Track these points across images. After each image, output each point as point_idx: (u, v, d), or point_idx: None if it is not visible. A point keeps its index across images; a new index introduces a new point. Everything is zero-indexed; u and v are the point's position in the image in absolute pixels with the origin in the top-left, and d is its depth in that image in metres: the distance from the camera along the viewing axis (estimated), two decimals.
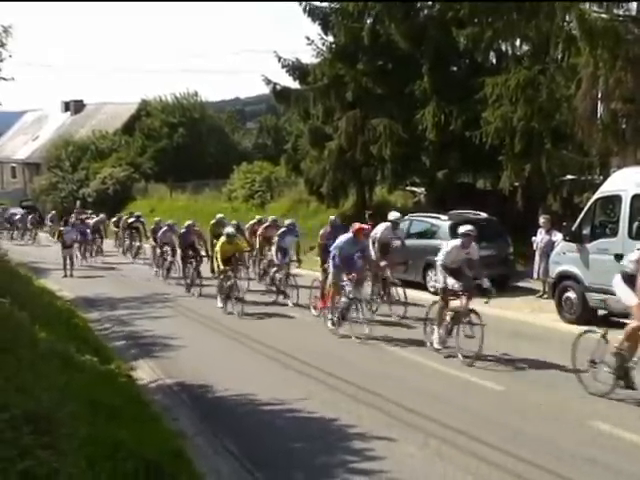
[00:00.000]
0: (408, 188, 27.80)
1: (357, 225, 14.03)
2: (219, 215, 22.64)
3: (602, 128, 17.67)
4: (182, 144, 47.90)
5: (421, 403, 9.35)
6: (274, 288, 18.13)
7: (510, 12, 19.29)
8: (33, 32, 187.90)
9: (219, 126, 54.12)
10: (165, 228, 22.34)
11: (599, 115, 18.09)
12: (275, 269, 18.14)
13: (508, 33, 20.07)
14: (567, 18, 17.82)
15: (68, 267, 24.38)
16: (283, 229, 18.09)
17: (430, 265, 17.14)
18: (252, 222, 22.02)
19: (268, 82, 26.82)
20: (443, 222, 18.17)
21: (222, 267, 16.32)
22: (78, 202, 44.85)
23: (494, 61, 22.69)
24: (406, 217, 19.69)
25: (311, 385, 10.51)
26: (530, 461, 7.33)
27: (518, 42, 21.13)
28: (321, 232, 16.85)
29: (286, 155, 31.08)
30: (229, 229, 17.24)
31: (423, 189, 26.75)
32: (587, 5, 17.70)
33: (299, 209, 29.60)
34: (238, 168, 36.80)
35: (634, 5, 17.79)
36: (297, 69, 26.49)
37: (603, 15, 17.33)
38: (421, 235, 18.52)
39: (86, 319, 16.43)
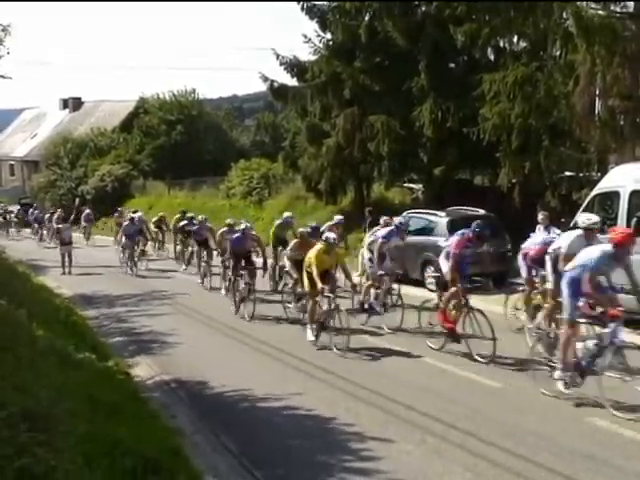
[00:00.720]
0: (406, 185, 27.81)
1: (622, 231, 9.36)
2: (287, 214, 19.05)
3: (600, 125, 17.67)
4: (180, 141, 47.86)
5: (419, 400, 9.35)
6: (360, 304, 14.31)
7: (507, 9, 19.27)
8: (32, 30, 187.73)
9: (217, 123, 54.07)
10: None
11: (597, 112, 18.09)
12: (370, 282, 14.30)
13: (505, 30, 20.05)
14: (564, 15, 17.81)
15: (66, 264, 24.35)
16: (390, 228, 14.48)
17: (429, 262, 17.18)
18: (329, 224, 17.72)
19: (265, 79, 26.81)
20: (441, 218, 18.20)
21: (319, 285, 12.26)
22: (77, 199, 44.82)
23: (492, 58, 22.69)
24: (404, 213, 19.72)
25: (309, 382, 10.51)
26: (528, 458, 7.34)
27: (515, 39, 21.12)
28: (456, 239, 11.99)
29: (284, 152, 31.07)
30: (329, 234, 13.09)
31: (421, 186, 26.77)
32: (584, 2, 17.69)
33: (297, 206, 29.53)
34: (236, 165, 36.77)
35: (631, 2, 17.78)
36: (295, 66, 26.44)
37: (600, 12, 17.32)
38: (419, 232, 18.51)
39: (84, 316, 16.44)
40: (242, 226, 16.63)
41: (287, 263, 14.96)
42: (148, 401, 9.83)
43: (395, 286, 14.37)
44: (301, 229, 15.76)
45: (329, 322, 12.47)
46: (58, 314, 14.80)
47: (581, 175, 19.63)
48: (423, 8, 24.29)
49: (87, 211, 36.20)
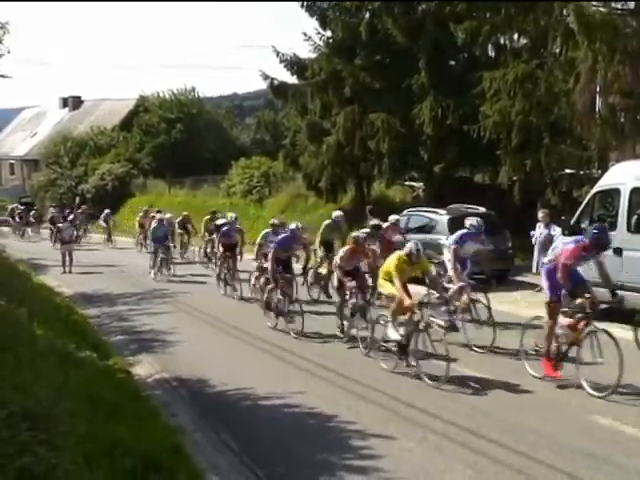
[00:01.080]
0: (407, 183, 27.84)
1: None
2: (336, 213, 16.91)
3: (600, 122, 17.69)
4: (180, 140, 47.84)
5: (420, 398, 9.34)
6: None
7: (508, 7, 19.31)
8: (32, 30, 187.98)
9: (217, 121, 54.05)
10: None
11: (597, 109, 18.10)
12: (451, 291, 11.86)
13: (506, 27, 20.07)
14: (565, 12, 17.81)
15: (67, 263, 24.36)
16: (462, 232, 12.51)
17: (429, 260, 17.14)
18: (386, 225, 15.85)
19: (266, 77, 26.87)
20: (442, 216, 18.18)
21: (407, 301, 10.13)
22: (77, 198, 44.82)
23: (492, 55, 22.69)
24: (404, 212, 19.70)
25: (310, 380, 10.50)
26: (529, 455, 7.34)
27: (516, 36, 21.15)
28: (570, 247, 9.72)
29: (284, 150, 31.11)
30: (413, 246, 10.37)
31: (421, 184, 26.79)
32: (585, 1, 17.67)
33: (297, 204, 29.63)
34: (236, 163, 36.81)
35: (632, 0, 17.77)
36: (295, 64, 26.48)
37: (601, 9, 17.32)
38: (420, 230, 18.50)
39: (85, 315, 16.43)
40: (293, 225, 14.32)
41: (336, 274, 12.83)
42: (149, 399, 9.83)
43: (482, 299, 11.94)
44: (355, 233, 13.43)
45: (417, 344, 10.20)
46: (59, 313, 14.80)
47: (581, 173, 19.66)
48: (423, 6, 24.31)
49: (107, 211, 34.15)
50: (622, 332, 11.04)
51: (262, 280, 15.03)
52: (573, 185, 19.46)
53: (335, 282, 12.74)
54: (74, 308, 16.75)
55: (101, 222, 34.09)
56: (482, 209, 18.48)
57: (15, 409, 5.44)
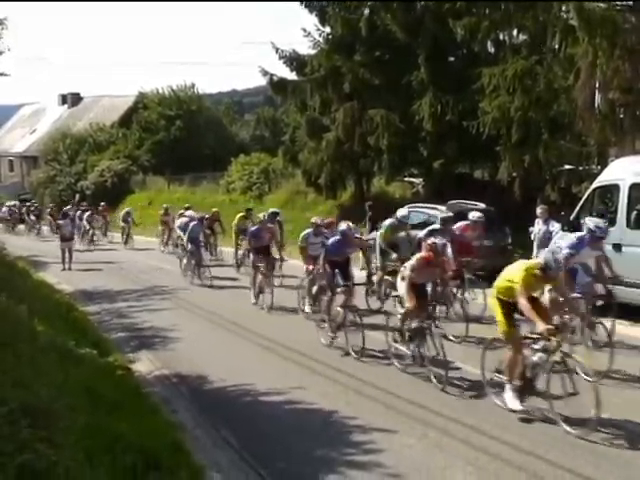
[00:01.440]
0: (406, 179, 27.83)
1: None
2: (401, 211, 14.93)
3: (600, 118, 17.66)
4: (179, 136, 47.81)
5: (420, 394, 9.35)
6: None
7: (507, 4, 19.32)
8: (31, 28, 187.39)
9: (216, 118, 54.01)
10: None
11: (597, 105, 18.08)
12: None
13: (505, 24, 20.07)
14: (564, 8, 17.80)
15: (67, 260, 24.38)
16: (580, 236, 10.07)
17: None
18: (462, 224, 13.81)
19: (265, 73, 26.81)
20: (442, 213, 18.17)
21: (542, 326, 7.91)
22: (77, 195, 44.79)
23: (491, 51, 22.69)
24: (404, 207, 19.68)
25: (311, 377, 10.50)
26: (530, 451, 7.35)
27: (515, 32, 21.15)
28: None
29: (284, 146, 31.06)
30: (550, 255, 8.67)
31: (421, 180, 26.79)
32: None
33: (297, 200, 29.61)
34: (236, 160, 36.77)
35: None
36: (294, 60, 26.46)
37: (601, 4, 17.30)
38: (420, 226, 18.46)
39: (85, 312, 16.43)
40: (343, 226, 12.42)
41: (401, 287, 10.49)
42: (149, 396, 9.84)
43: (605, 321, 9.99)
44: (431, 239, 11.10)
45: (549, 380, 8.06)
46: (59, 310, 14.80)
47: (581, 168, 19.64)
48: (422, 2, 24.28)
49: (127, 210, 32.22)
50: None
51: (315, 289, 13.58)
52: (572, 181, 19.45)
53: (401, 293, 10.53)
54: (74, 305, 16.74)
55: (120, 222, 32.26)
56: (482, 205, 18.48)
57: (15, 406, 5.45)
